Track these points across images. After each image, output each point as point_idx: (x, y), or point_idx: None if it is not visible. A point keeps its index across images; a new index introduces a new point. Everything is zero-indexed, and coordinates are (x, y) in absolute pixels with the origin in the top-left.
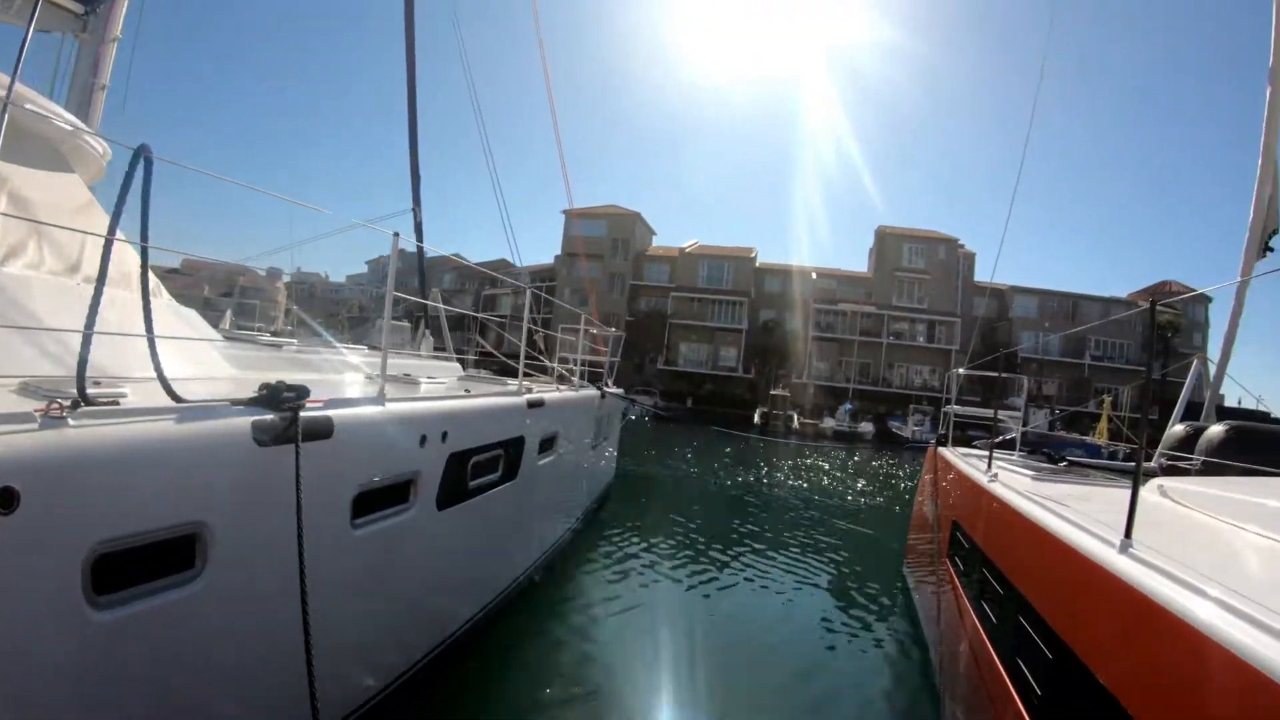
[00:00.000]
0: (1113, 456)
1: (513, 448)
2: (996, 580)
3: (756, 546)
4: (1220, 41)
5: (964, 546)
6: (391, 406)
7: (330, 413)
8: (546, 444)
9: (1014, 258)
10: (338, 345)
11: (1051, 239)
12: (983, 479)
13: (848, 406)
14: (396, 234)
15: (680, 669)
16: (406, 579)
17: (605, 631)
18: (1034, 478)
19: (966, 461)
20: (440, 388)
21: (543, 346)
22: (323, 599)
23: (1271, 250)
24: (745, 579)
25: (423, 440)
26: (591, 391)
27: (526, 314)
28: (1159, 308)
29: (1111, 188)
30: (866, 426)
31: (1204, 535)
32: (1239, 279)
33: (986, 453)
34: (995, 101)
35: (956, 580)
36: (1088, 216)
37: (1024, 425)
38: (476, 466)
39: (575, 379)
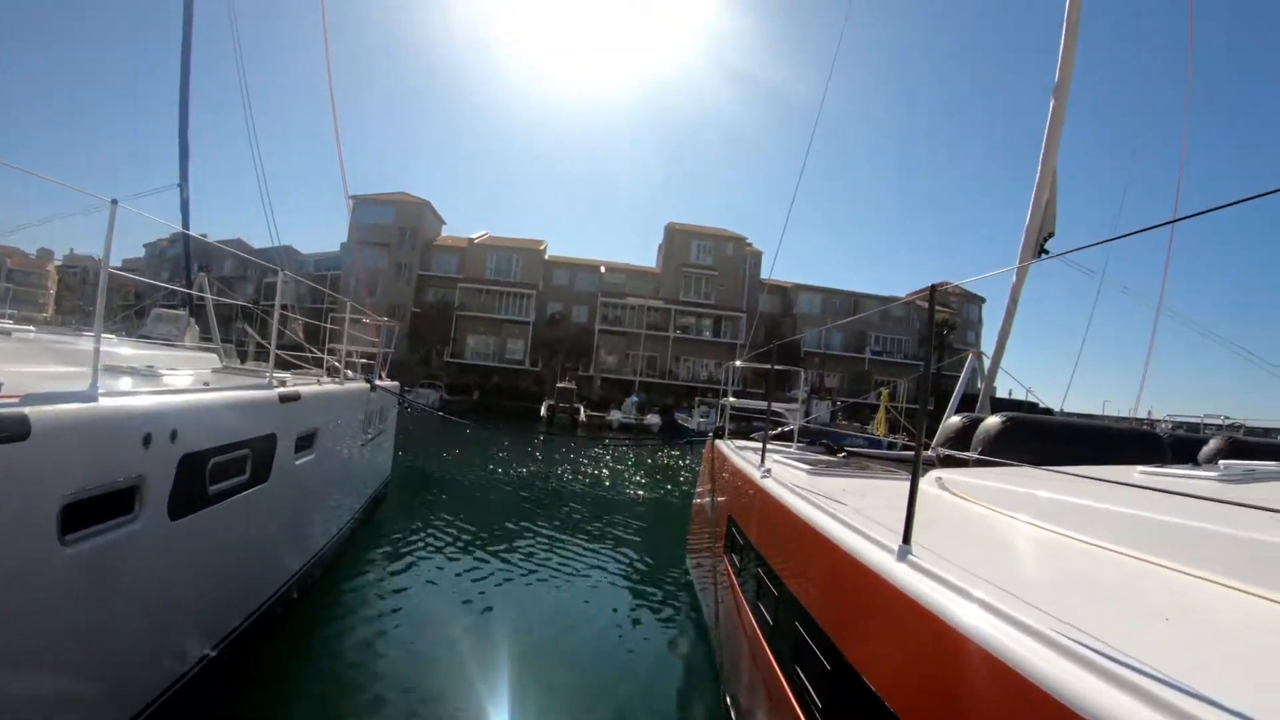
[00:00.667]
0: (891, 447)
1: (263, 446)
2: (771, 580)
3: (542, 544)
4: (1009, 57)
5: (739, 543)
6: (106, 402)
7: (26, 410)
8: (305, 441)
9: (802, 260)
10: (86, 333)
11: (840, 243)
12: (755, 473)
13: (634, 399)
14: (114, 201)
15: (466, 673)
16: (137, 599)
17: (386, 641)
18: (809, 471)
19: (741, 455)
20: (183, 381)
21: (322, 339)
22: (26, 628)
23: (1046, 253)
24: (536, 577)
25: (147, 440)
26: (359, 384)
27: (278, 300)
28: (939, 306)
29: (899, 195)
30: (653, 419)
31: (979, 528)
32: (1017, 265)
33: (759, 444)
34: (786, 104)
35: (734, 579)
36: (875, 222)
37: (804, 417)
38: (218, 468)
39: (342, 371)
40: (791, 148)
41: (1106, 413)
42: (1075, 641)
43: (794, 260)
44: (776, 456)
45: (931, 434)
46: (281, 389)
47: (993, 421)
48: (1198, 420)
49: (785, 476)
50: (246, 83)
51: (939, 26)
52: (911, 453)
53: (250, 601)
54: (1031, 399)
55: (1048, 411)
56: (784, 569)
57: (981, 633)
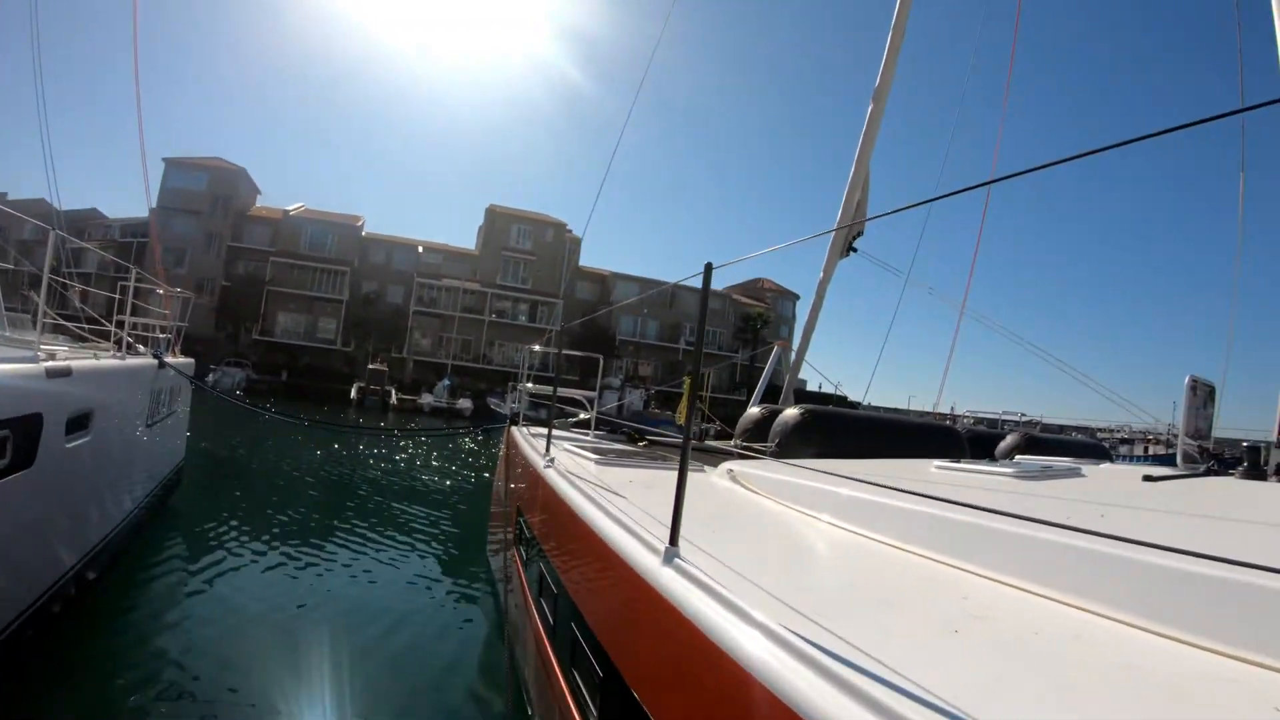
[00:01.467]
0: (705, 435)
1: (26, 428)
2: (551, 578)
3: (345, 534)
4: (830, 57)
5: (526, 537)
6: None
7: None
8: (79, 422)
9: (623, 249)
10: None
11: (662, 235)
12: (539, 463)
13: (446, 383)
14: None
15: (262, 668)
16: None
17: (176, 637)
18: (598, 462)
19: (531, 443)
20: None
21: (114, 311)
22: None
23: (855, 250)
24: (336, 566)
25: None
26: (145, 361)
27: (46, 263)
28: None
29: (723, 193)
30: (465, 403)
31: (767, 526)
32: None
33: (564, 433)
34: (616, 91)
35: (522, 575)
36: (699, 218)
37: (619, 405)
38: None
39: (125, 346)
40: (627, 136)
41: (913, 407)
42: (841, 661)
43: (615, 249)
44: (567, 445)
45: (735, 424)
46: (50, 363)
47: (791, 413)
48: (997, 416)
49: (570, 466)
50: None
51: (775, 26)
52: (718, 443)
53: (20, 599)
54: (841, 392)
55: (855, 405)
56: (561, 566)
57: (743, 650)
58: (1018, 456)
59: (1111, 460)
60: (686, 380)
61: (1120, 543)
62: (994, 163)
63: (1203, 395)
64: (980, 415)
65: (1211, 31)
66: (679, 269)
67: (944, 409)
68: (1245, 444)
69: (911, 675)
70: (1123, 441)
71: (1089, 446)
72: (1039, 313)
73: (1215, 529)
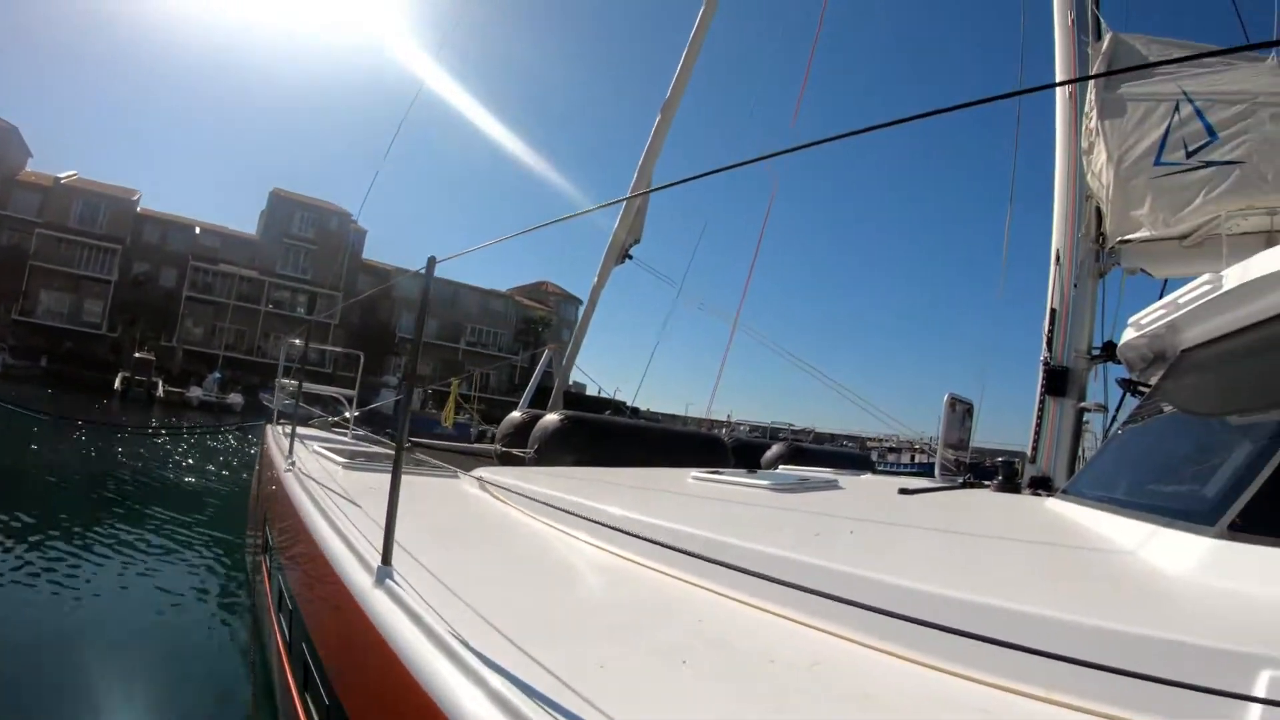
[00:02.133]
0: (482, 438)
1: None
2: (287, 592)
3: (95, 540)
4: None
5: (270, 547)
6: None
7: None
8: None
9: (411, 244)
10: None
11: (456, 233)
12: (281, 465)
13: (216, 376)
14: None
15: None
16: None
17: None
18: (345, 465)
19: (280, 444)
20: None
21: None
22: None
23: (630, 258)
24: (83, 581)
25: None
26: None
27: None
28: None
29: (519, 194)
30: (236, 398)
31: (508, 541)
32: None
33: (319, 433)
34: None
35: (268, 588)
36: (487, 217)
37: (354, 406)
38: None
39: None
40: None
41: (690, 415)
42: (541, 700)
43: (405, 244)
44: (319, 447)
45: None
46: None
47: (551, 419)
48: (770, 426)
49: (313, 470)
50: None
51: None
52: (481, 444)
53: None
54: (620, 398)
55: (634, 411)
56: (293, 580)
57: (440, 687)
58: (781, 467)
59: (874, 471)
60: (455, 381)
61: (861, 560)
62: (774, 189)
63: (961, 411)
64: (756, 424)
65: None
66: (469, 269)
67: (720, 417)
68: (1000, 459)
69: (619, 716)
70: (891, 450)
71: (853, 457)
72: (823, 327)
73: (961, 544)
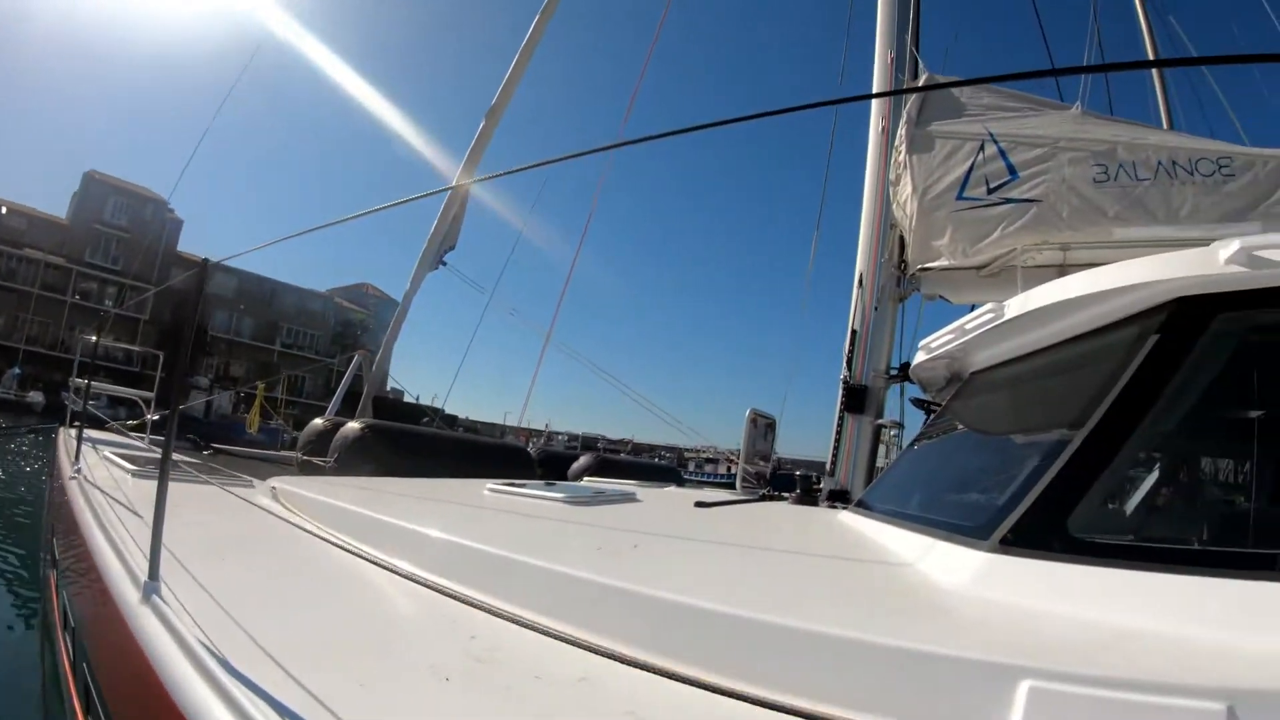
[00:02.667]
0: (291, 445)
1: None
2: (72, 611)
3: None
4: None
5: (56, 560)
6: None
7: None
8: None
9: (235, 236)
10: None
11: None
12: (67, 471)
13: (15, 371)
14: None
15: None
16: None
17: None
18: (135, 473)
19: (69, 449)
20: None
21: None
22: None
23: (445, 264)
24: None
25: None
26: None
27: None
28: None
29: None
30: (36, 396)
31: (292, 555)
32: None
33: (113, 437)
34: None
35: (55, 603)
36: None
37: (153, 409)
38: None
39: None
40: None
41: (508, 423)
42: None
43: (226, 238)
44: (110, 453)
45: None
46: None
47: (351, 428)
48: (588, 435)
49: (100, 478)
50: None
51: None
52: (290, 453)
53: None
54: (436, 405)
55: (450, 419)
56: (75, 595)
57: (201, 714)
58: (586, 479)
59: (679, 483)
60: (260, 385)
61: (636, 575)
62: (592, 208)
63: (763, 426)
64: (575, 434)
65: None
66: (289, 266)
67: (539, 425)
68: (799, 472)
69: None
70: (709, 461)
71: (662, 469)
72: (643, 340)
73: (743, 558)
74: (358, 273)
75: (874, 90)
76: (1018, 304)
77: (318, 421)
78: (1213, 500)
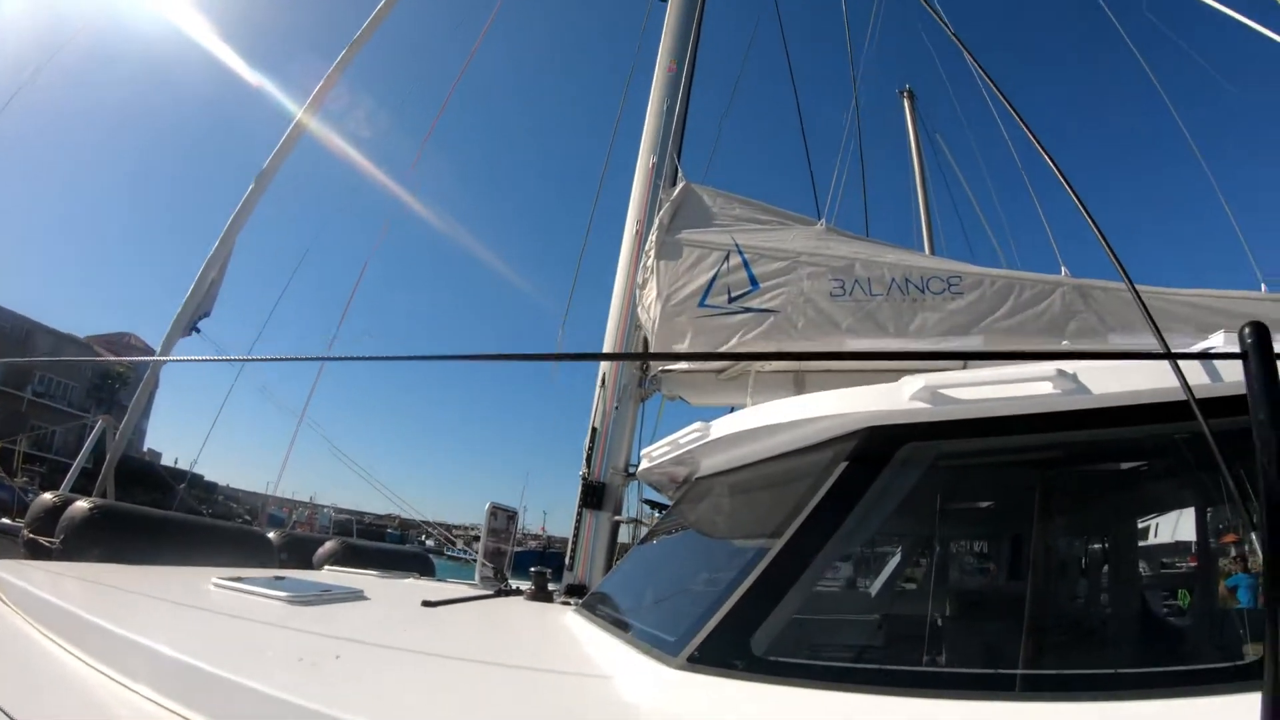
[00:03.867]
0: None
1: None
2: None
3: None
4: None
5: None
6: None
7: None
8: None
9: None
10: None
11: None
12: None
13: None
14: None
15: None
16: None
17: None
18: None
19: None
20: None
21: None
22: None
23: (198, 331)
24: None
25: None
26: None
27: None
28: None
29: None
30: None
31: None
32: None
33: None
34: None
35: None
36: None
37: None
38: None
39: None
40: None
41: (269, 492)
42: None
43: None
44: None
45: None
46: None
47: (80, 506)
48: (353, 512)
49: None
50: None
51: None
52: (18, 522)
53: None
54: (198, 473)
55: (209, 486)
56: None
57: None
58: (327, 568)
59: (428, 571)
60: (22, 438)
61: (317, 692)
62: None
63: (503, 518)
64: (340, 508)
65: None
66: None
67: (304, 497)
68: (533, 569)
69: None
70: (475, 539)
71: (411, 556)
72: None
73: (442, 668)
74: (121, 319)
75: (632, 193)
76: (720, 427)
77: (47, 496)
78: (897, 619)
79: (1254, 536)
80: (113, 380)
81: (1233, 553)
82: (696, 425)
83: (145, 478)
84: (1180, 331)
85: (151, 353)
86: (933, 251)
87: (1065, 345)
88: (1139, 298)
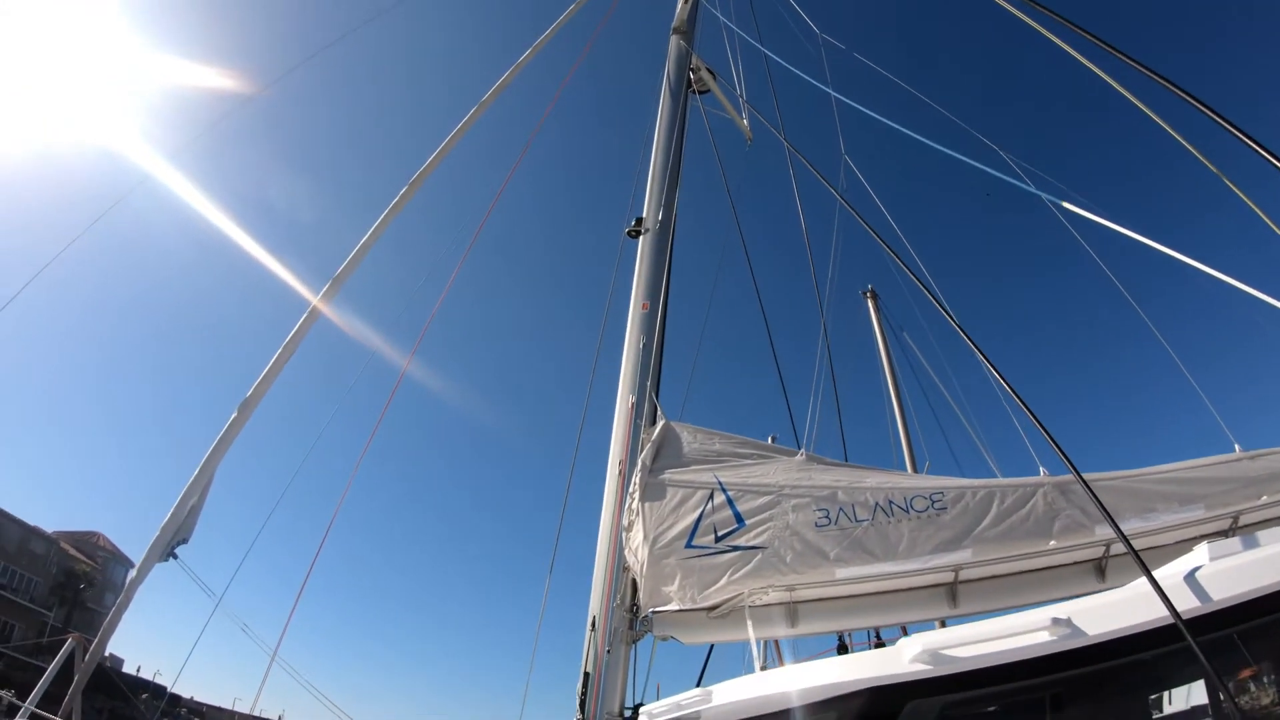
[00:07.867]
0: None
1: None
2: None
3: None
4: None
5: None
6: None
7: None
8: None
9: None
10: None
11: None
12: None
13: None
14: None
15: None
16: None
17: None
18: None
19: None
20: None
21: None
22: None
23: (176, 558)
24: None
25: None
26: None
27: None
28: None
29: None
30: None
31: None
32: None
33: None
34: None
35: None
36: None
37: None
38: None
39: None
40: None
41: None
42: None
43: None
44: None
45: None
46: None
47: None
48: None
49: None
50: None
51: None
52: None
53: None
54: (165, 686)
55: (172, 699)
56: None
57: None
58: None
59: None
60: None
61: None
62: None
63: None
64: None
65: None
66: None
67: (272, 714)
68: None
69: None
70: None
71: None
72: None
73: None
74: (90, 518)
75: (613, 433)
76: (722, 693)
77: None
78: None
79: None
80: (78, 579)
81: None
82: (696, 692)
83: (106, 685)
84: (1164, 510)
85: (119, 554)
86: (912, 456)
87: (1053, 545)
88: (1092, 492)
